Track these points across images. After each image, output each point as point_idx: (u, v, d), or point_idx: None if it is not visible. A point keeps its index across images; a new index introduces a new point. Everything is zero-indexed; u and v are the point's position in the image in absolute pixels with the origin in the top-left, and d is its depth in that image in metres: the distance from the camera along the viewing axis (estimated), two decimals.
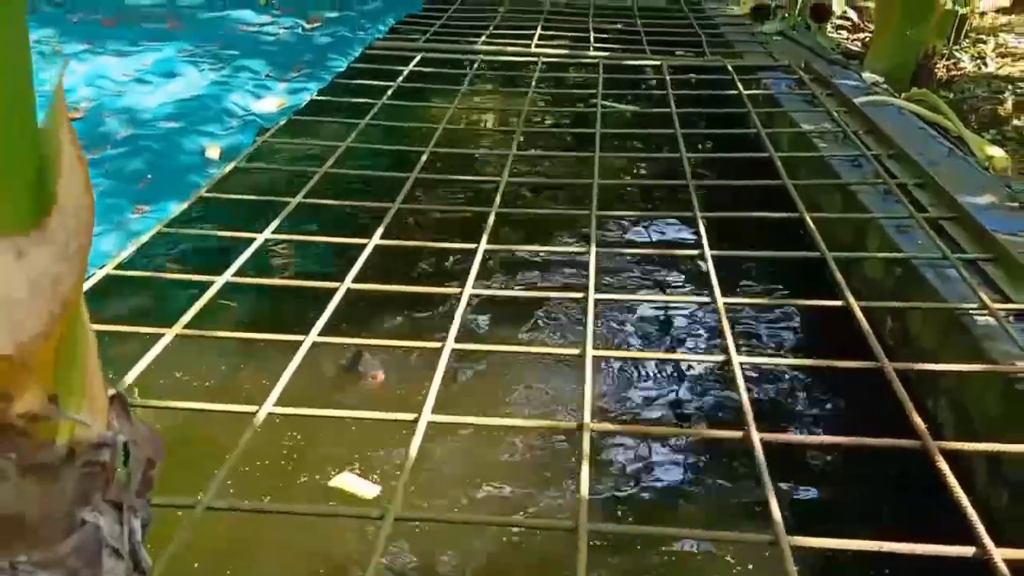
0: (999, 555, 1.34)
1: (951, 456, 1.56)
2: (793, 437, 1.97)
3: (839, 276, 2.20)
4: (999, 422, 1.78)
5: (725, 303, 2.10)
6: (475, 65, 4.38)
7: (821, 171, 2.98)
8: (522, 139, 3.33)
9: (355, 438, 2.06)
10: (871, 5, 5.57)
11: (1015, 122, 3.68)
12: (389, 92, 3.78)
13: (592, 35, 5.04)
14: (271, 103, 3.63)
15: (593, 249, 2.37)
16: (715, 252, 2.35)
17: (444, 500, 1.91)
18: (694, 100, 4.00)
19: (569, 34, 5.17)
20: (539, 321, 2.63)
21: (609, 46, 4.78)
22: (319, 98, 3.77)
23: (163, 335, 1.91)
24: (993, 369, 1.81)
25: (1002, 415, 1.78)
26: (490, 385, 2.31)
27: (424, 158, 3.05)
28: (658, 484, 2.01)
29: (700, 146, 4.08)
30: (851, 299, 2.09)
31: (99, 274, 2.16)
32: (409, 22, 5.38)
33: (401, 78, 4.01)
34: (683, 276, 2.92)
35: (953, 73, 4.57)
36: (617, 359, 2.41)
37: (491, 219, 2.56)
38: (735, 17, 5.69)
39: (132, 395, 1.74)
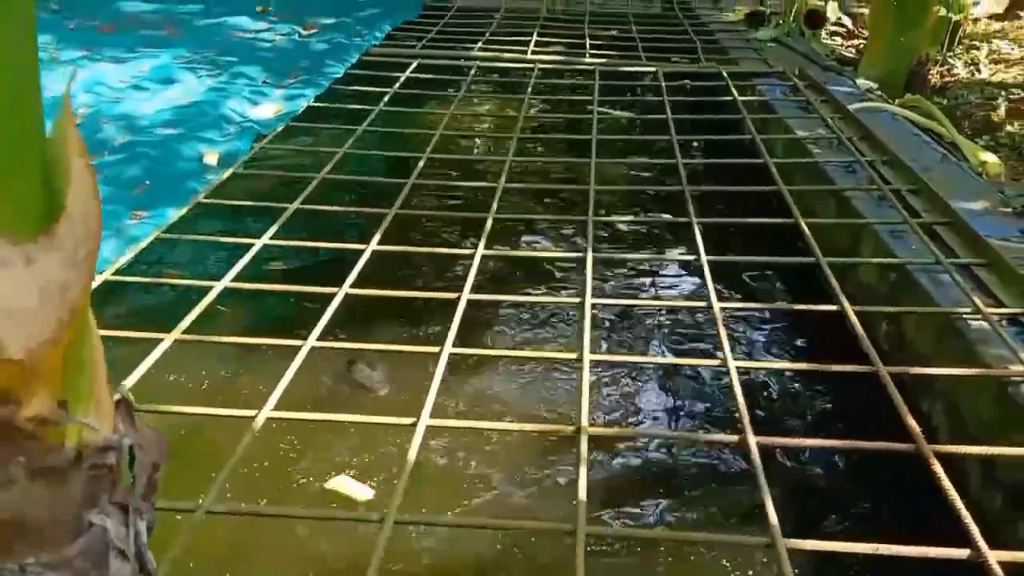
0: (993, 557, 1.36)
1: (945, 459, 1.58)
2: (789, 440, 1.98)
3: (834, 281, 2.22)
4: (993, 425, 1.79)
5: (721, 308, 2.12)
6: (472, 71, 4.39)
7: (816, 177, 3.00)
8: (519, 145, 3.35)
9: (354, 442, 2.07)
10: (865, 12, 5.61)
11: (1008, 128, 3.71)
12: (386, 98, 3.79)
13: (588, 41, 5.06)
14: (268, 109, 3.64)
15: (590, 254, 2.39)
16: (711, 257, 2.36)
17: (443, 503, 1.92)
18: (689, 106, 4.02)
19: (565, 41, 5.19)
20: (536, 326, 2.64)
21: (605, 53, 4.80)
22: (316, 104, 3.79)
23: (162, 340, 1.92)
24: (987, 373, 1.82)
25: (996, 418, 1.79)
26: (488, 389, 2.32)
27: (421, 164, 3.06)
28: (656, 486, 2.02)
29: (696, 152, 4.10)
30: (846, 304, 2.10)
31: (98, 280, 2.17)
32: (406, 28, 5.40)
33: (398, 84, 4.02)
34: (679, 281, 2.94)
35: (947, 79, 4.60)
36: (614, 363, 2.42)
37: (488, 224, 2.57)
38: (730, 24, 5.71)
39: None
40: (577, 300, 2.22)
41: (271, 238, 2.47)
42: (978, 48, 5.05)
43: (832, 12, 5.43)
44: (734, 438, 1.69)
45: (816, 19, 5.17)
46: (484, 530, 1.83)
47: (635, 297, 2.85)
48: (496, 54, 4.70)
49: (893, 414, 1.70)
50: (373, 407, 2.21)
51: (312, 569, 1.76)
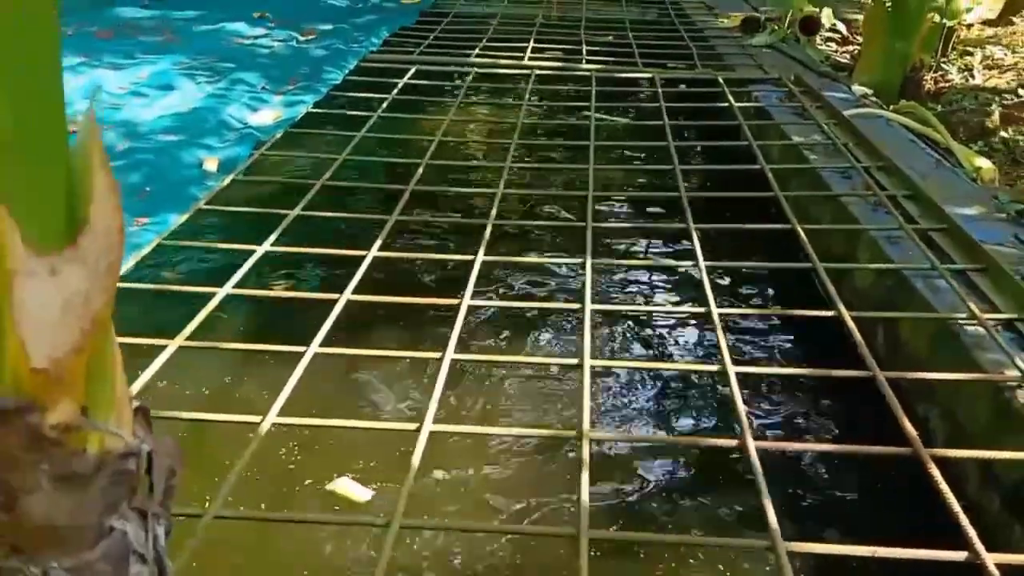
0: (990, 560, 1.38)
1: (942, 463, 1.60)
2: (787, 444, 2.00)
3: (830, 286, 2.24)
4: (989, 429, 1.82)
5: (720, 313, 2.14)
6: (469, 77, 4.42)
7: (812, 183, 3.03)
8: (517, 151, 3.37)
9: (358, 447, 2.09)
10: (860, 18, 5.64)
11: (1002, 133, 3.74)
12: (384, 105, 3.82)
13: (584, 47, 5.09)
14: (268, 116, 3.66)
15: (589, 260, 2.41)
16: (709, 263, 2.39)
17: (446, 508, 1.94)
18: (686, 112, 4.05)
19: (561, 47, 5.22)
20: (537, 331, 2.66)
21: (601, 59, 4.83)
22: (315, 111, 3.81)
23: (166, 346, 1.94)
24: (983, 378, 1.85)
25: (991, 422, 1.82)
26: (490, 394, 2.34)
27: (420, 170, 3.08)
28: (656, 490, 2.04)
29: (693, 158, 4.13)
30: (843, 309, 2.13)
31: None
32: (403, 35, 5.42)
33: (396, 91, 4.04)
34: (678, 287, 2.96)
35: (941, 85, 4.64)
36: (615, 369, 2.44)
37: (488, 231, 2.59)
38: (725, 30, 5.75)
39: None
40: (577, 306, 2.24)
41: (272, 245, 2.48)
42: (972, 54, 5.09)
43: (827, 18, 5.46)
44: (733, 442, 1.71)
45: (811, 25, 5.20)
46: (486, 534, 1.85)
47: (634, 303, 2.87)
48: (493, 60, 4.72)
49: (891, 418, 1.73)
50: (376, 413, 2.23)
51: (317, 572, 1.77)
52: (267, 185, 3.25)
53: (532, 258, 3.07)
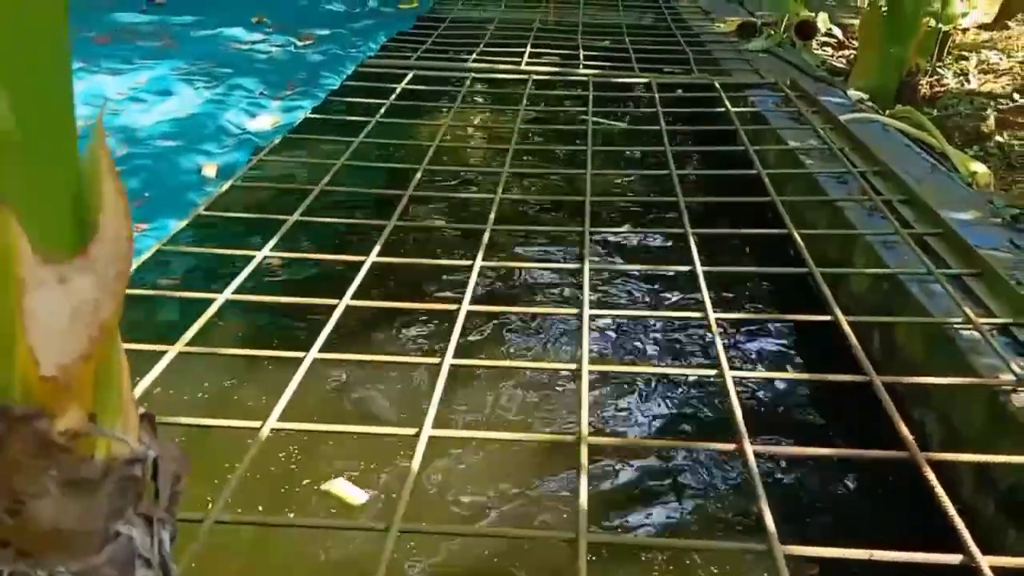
0: (985, 563, 1.39)
1: (938, 466, 1.61)
2: (784, 449, 2.02)
3: (827, 291, 2.25)
4: (984, 433, 1.83)
5: (717, 318, 2.15)
6: (467, 82, 4.43)
7: (808, 188, 3.04)
8: (514, 156, 3.38)
9: (357, 452, 2.09)
10: (855, 23, 5.67)
11: (997, 138, 3.76)
12: (382, 110, 3.83)
13: (581, 52, 5.10)
14: (266, 121, 3.66)
15: (587, 265, 2.42)
16: (706, 268, 2.40)
17: (446, 512, 1.95)
18: (683, 117, 4.07)
19: (558, 52, 5.23)
20: (535, 336, 2.67)
21: (598, 64, 4.85)
22: (313, 116, 3.81)
23: (166, 352, 1.94)
24: (978, 382, 1.86)
25: (987, 426, 1.83)
26: (489, 399, 2.35)
27: (419, 175, 3.09)
28: (655, 493, 2.05)
29: (689, 163, 4.14)
30: (839, 313, 2.14)
31: None
32: (400, 40, 5.43)
33: (394, 96, 4.06)
34: (675, 291, 2.97)
35: (936, 90, 4.66)
36: (612, 374, 2.45)
37: (486, 236, 2.60)
38: (721, 35, 5.77)
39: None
40: (575, 311, 2.25)
41: (271, 250, 2.49)
42: (967, 58, 5.12)
43: (823, 23, 5.48)
44: (731, 446, 1.72)
45: (807, 30, 5.23)
46: (486, 538, 1.86)
47: (632, 308, 2.88)
48: (491, 65, 4.74)
49: (887, 422, 1.74)
50: (376, 417, 2.24)
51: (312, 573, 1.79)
52: (266, 190, 3.26)
53: (531, 263, 3.08)
